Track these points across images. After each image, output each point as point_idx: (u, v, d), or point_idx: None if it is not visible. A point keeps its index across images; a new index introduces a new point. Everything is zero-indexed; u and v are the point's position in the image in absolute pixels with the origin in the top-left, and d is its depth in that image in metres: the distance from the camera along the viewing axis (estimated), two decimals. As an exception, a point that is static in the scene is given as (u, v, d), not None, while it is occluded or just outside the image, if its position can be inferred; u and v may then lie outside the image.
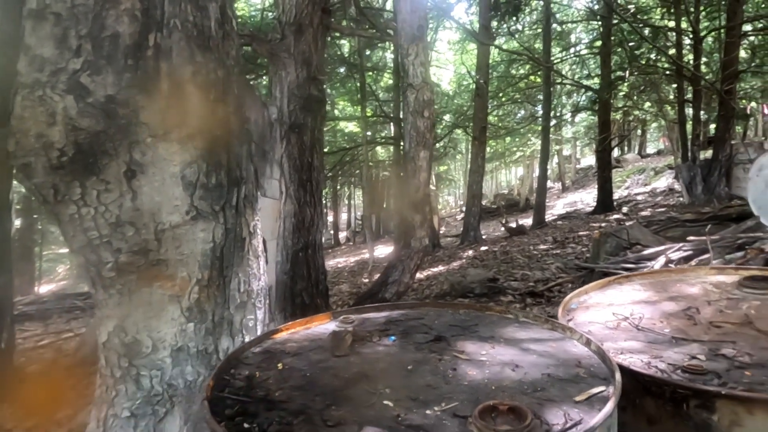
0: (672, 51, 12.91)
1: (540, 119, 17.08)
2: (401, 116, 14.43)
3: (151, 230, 1.51)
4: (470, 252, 11.44)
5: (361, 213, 25.12)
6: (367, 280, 10.35)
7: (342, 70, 13.90)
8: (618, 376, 1.10)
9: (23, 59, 1.37)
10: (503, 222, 14.11)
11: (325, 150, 14.17)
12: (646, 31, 12.53)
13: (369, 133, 15.72)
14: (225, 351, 1.67)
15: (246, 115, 1.78)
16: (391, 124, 17.83)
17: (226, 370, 1.29)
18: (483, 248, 11.63)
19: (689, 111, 12.65)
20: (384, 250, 15.95)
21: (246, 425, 1.02)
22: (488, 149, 18.96)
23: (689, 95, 12.43)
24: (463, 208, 21.93)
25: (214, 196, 1.61)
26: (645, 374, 1.24)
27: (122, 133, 1.43)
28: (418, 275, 8.12)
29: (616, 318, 1.66)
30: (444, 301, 1.76)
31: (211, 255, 1.61)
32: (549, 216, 15.41)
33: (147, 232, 1.51)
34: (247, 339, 1.71)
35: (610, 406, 0.98)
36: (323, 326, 1.65)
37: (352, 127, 17.97)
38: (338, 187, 23.68)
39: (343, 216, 28.53)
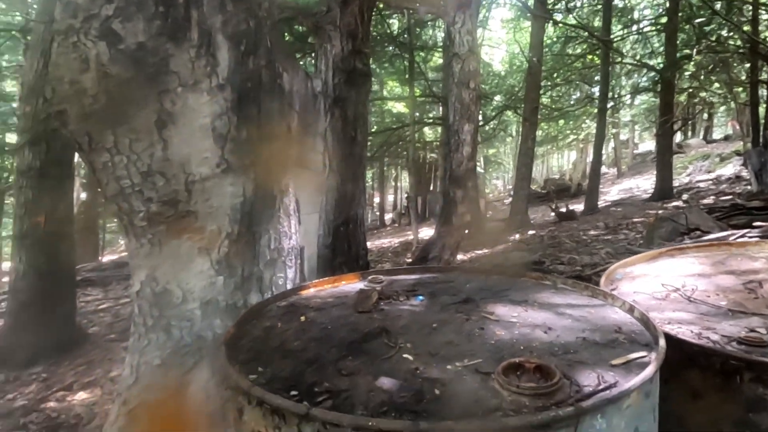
0: (747, 27, 11.91)
1: (596, 101, 16.28)
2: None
3: (181, 181, 1.51)
4: (516, 236, 11.16)
5: (406, 195, 25.04)
6: (410, 260, 10.31)
7: (391, 48, 13.71)
8: (662, 342, 0.99)
9: (58, 6, 1.38)
10: (552, 207, 13.64)
11: (372, 130, 14.14)
12: (718, 5, 11.61)
13: (417, 114, 15.53)
14: (253, 307, 1.67)
15: (279, 71, 1.74)
16: (440, 104, 17.55)
17: (249, 320, 1.28)
18: (530, 232, 11.31)
19: (763, 92, 11.68)
20: (429, 232, 15.83)
21: (260, 369, 1.00)
22: (540, 132, 18.33)
23: (765, 75, 11.47)
24: (511, 193, 21.42)
25: (245, 149, 1.59)
26: (693, 344, 1.12)
27: (152, 82, 1.43)
28: (460, 256, 8.00)
29: (665, 289, 1.53)
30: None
31: (240, 209, 1.60)
32: (602, 202, 14.78)
33: (177, 183, 1.51)
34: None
35: (650, 370, 0.89)
36: (351, 285, 1.62)
37: (400, 107, 17.80)
38: (385, 168, 23.63)
39: (390, 198, 28.53)
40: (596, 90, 17.58)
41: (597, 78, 16.40)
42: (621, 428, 0.83)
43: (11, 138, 17.71)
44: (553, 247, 8.37)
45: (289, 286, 1.80)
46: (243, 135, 1.58)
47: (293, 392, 0.89)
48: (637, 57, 16.31)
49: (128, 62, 1.38)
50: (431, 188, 22.72)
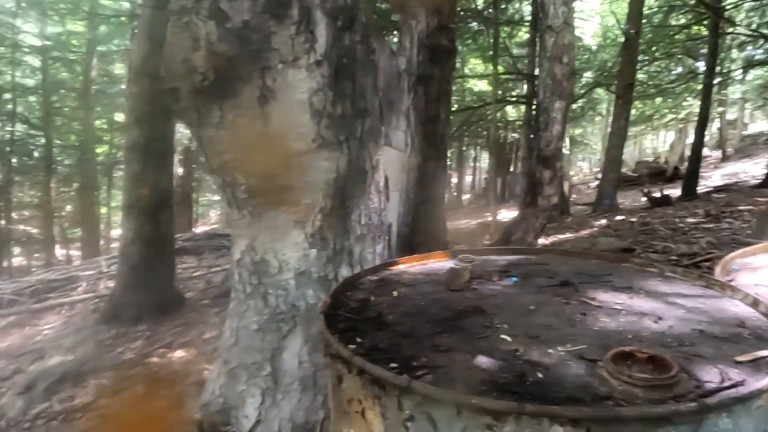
0: None
1: (701, 76, 14.80)
2: (536, 71, 13.52)
3: (280, 156, 1.57)
4: (603, 221, 10.56)
5: (486, 175, 24.49)
6: (488, 242, 10.12)
7: (475, 24, 13.30)
8: (797, 340, 0.89)
9: (173, -13, 1.46)
10: (645, 191, 12.73)
11: (452, 108, 13.86)
12: None
13: (499, 92, 15.02)
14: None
15: (372, 46, 1.74)
16: (524, 82, 16.84)
17: (343, 292, 1.32)
18: (618, 218, 10.66)
19: None
20: (507, 214, 15.43)
21: (358, 339, 1.02)
22: (633, 111, 17.03)
23: None
24: (598, 175, 20.23)
25: (339, 125, 1.61)
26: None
27: (255, 59, 1.48)
28: (543, 240, 7.72)
29: (793, 284, 1.37)
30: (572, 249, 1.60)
31: (333, 184, 1.64)
32: (702, 188, 13.56)
33: (276, 157, 1.57)
34: (364, 271, 1.73)
35: (786, 370, 0.80)
36: (440, 263, 1.61)
37: (482, 85, 17.31)
38: (464, 148, 23.21)
39: (467, 179, 28.06)
40: (701, 64, 15.97)
41: (703, 51, 14.87)
42: (749, 430, 0.76)
43: (119, 117, 19.39)
44: (644, 234, 7.83)
45: (377, 262, 1.82)
46: (338, 111, 1.61)
47: (392, 364, 0.90)
48: (753, 26, 14.57)
49: (234, 40, 1.43)
50: (511, 169, 22.05)
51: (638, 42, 11.89)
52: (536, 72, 13.52)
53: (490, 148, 15.39)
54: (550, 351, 0.94)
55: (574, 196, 18.55)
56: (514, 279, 1.38)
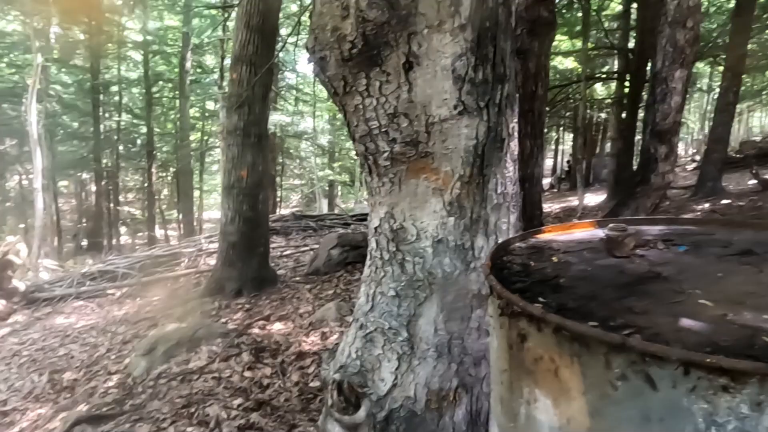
0: None
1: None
2: (630, 44, 12.62)
3: (422, 122, 1.57)
4: (706, 205, 9.74)
5: (568, 159, 23.40)
6: (577, 226, 9.67)
7: (563, -3, 12.59)
8: None
9: (323, -42, 1.49)
10: (753, 171, 11.55)
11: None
12: None
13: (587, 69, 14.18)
14: (480, 249, 1.70)
15: (512, 8, 1.68)
16: (615, 57, 15.77)
17: (499, 257, 1.30)
18: (723, 202, 9.78)
19: None
20: (593, 199, 14.66)
21: (541, 299, 1.00)
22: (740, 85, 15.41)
23: None
24: (696, 157, 18.61)
25: (480, 91, 1.58)
26: None
27: (402, 24, 1.48)
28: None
29: None
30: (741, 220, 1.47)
31: (473, 152, 1.61)
32: (823, 169, 12.08)
33: (419, 124, 1.57)
34: (500, 241, 1.70)
35: None
36: (586, 232, 1.54)
37: (567, 63, 16.45)
38: (545, 129, 22.27)
39: (548, 162, 26.96)
40: (828, 30, 14.08)
41: (831, 14, 13.09)
42: None
43: (210, 105, 20.57)
44: (757, 219, 7.13)
45: (511, 231, 1.79)
46: (479, 76, 1.57)
47: (590, 323, 0.87)
48: None
49: (383, 6, 1.44)
50: (597, 151, 20.88)
51: (754, 7, 10.70)
52: (630, 45, 12.63)
53: (576, 129, 14.63)
54: (765, 317, 0.87)
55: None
56: (684, 248, 1.29)
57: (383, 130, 1.58)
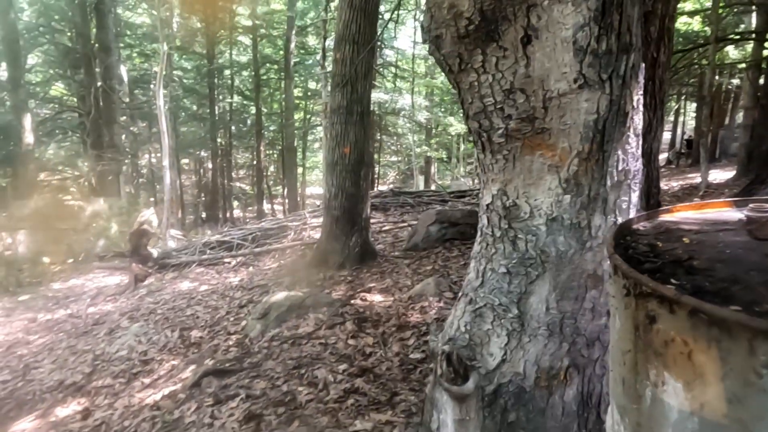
0: None
1: None
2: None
3: (540, 98, 1.53)
4: None
5: (688, 132, 21.19)
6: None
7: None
8: None
9: (440, -65, 1.49)
10: None
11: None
12: None
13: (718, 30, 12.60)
14: (597, 228, 1.64)
15: (640, -29, 1.56)
16: (753, 13, 13.82)
17: (623, 236, 1.25)
18: None
19: None
20: (719, 176, 13.20)
21: (673, 281, 0.96)
22: None
23: None
24: None
25: (603, 63, 1.50)
26: None
27: (522, -3, 1.45)
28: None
29: None
30: None
31: (593, 127, 1.55)
32: None
33: (536, 100, 1.54)
34: (619, 220, 1.63)
35: None
36: (722, 213, 1.43)
37: (693, 23, 14.75)
38: (664, 98, 20.27)
39: (666, 135, 24.58)
40: None
41: None
42: None
43: (312, 86, 21.38)
44: None
45: (632, 211, 1.70)
46: (602, 47, 1.50)
47: (732, 307, 0.83)
48: None
49: (502, -21, 1.42)
50: (727, 122, 18.65)
51: None
52: (776, -1, 10.98)
53: (702, 98, 13.13)
54: None
55: (817, 153, 14.95)
56: None
57: (498, 106, 1.57)
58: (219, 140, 20.30)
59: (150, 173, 20.78)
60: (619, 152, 1.62)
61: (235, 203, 23.31)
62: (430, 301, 4.96)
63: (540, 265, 1.66)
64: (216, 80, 19.58)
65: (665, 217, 1.41)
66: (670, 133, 24.95)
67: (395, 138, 22.05)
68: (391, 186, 19.94)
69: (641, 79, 1.65)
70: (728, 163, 15.51)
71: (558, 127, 1.56)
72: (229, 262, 8.79)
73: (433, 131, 21.18)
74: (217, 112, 19.81)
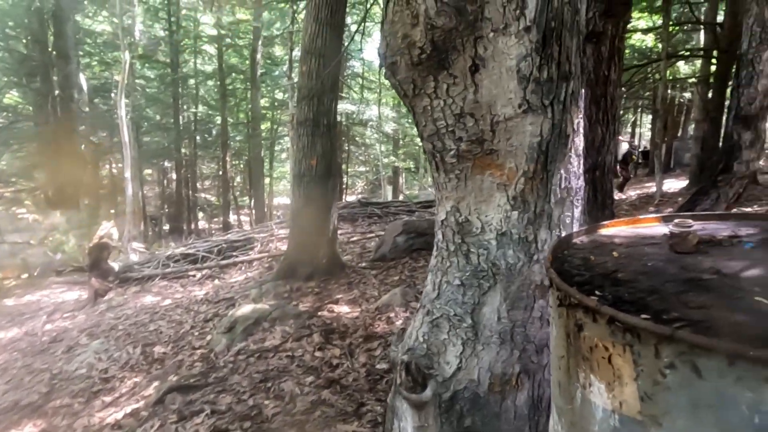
0: None
1: None
2: (718, 18, 11.69)
3: (488, 121, 1.65)
4: (805, 192, 8.95)
5: (645, 142, 22.12)
6: (654, 214, 9.22)
7: (642, -30, 11.86)
8: None
9: (395, -31, 1.60)
10: None
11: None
12: None
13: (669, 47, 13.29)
14: (543, 241, 1.76)
15: (578, 6, 1.71)
16: (701, 32, 14.66)
17: (561, 251, 1.37)
18: (825, 189, 8.94)
19: None
20: (673, 185, 13.84)
21: (597, 293, 1.08)
22: None
23: None
24: (796, 139, 16.95)
25: (545, 90, 1.63)
26: None
27: (469, 29, 1.56)
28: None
29: None
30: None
31: (537, 148, 1.67)
32: None
33: (484, 123, 1.65)
34: (563, 234, 1.76)
35: None
36: (651, 228, 1.57)
37: (646, 39, 15.49)
38: (621, 111, 21.14)
39: (623, 146, 25.57)
40: None
41: None
42: None
43: (279, 96, 21.32)
44: None
45: (575, 225, 1.84)
46: (544, 75, 1.63)
47: (643, 315, 0.94)
48: None
49: (451, 13, 1.53)
50: (680, 134, 19.58)
51: None
52: (719, 19, 11.70)
53: (656, 111, 13.78)
54: (823, 316, 0.90)
55: (762, 162, 15.88)
56: (750, 245, 1.30)
57: (450, 129, 1.68)
58: (183, 150, 19.94)
59: (111, 184, 20.22)
60: (562, 171, 1.75)
61: (200, 214, 22.89)
62: (397, 311, 5.04)
63: (491, 277, 1.77)
64: (180, 89, 19.28)
65: (602, 232, 1.54)
66: (628, 144, 25.96)
67: (363, 148, 22.19)
68: (360, 196, 20.03)
69: (581, 104, 1.78)
70: (682, 173, 16.27)
71: (505, 148, 1.68)
72: (194, 275, 8.66)
73: (401, 142, 21.43)
74: (181, 122, 19.48)
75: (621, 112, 21.71)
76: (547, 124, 1.67)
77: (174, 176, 20.97)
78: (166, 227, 20.33)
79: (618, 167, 15.81)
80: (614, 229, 1.55)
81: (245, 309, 5.38)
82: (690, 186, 12.08)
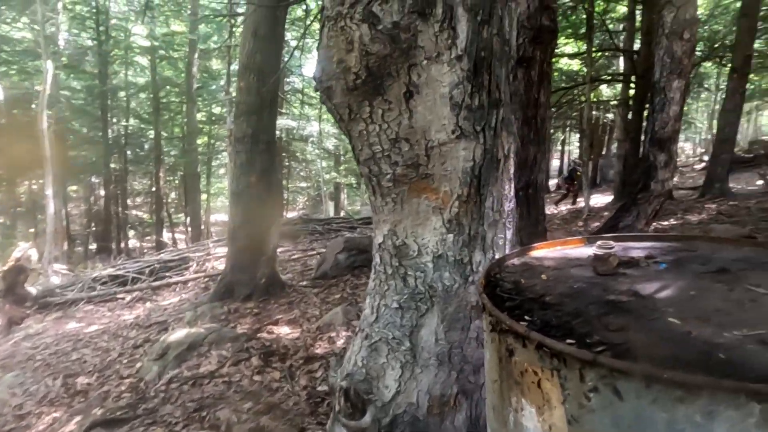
0: None
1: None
2: (635, 46, 12.65)
3: (422, 146, 1.68)
4: (713, 206, 9.78)
5: (574, 159, 23.41)
6: (582, 228, 9.77)
7: (567, 1, 12.68)
8: None
9: (329, -5, 1.61)
10: (762, 173, 11.57)
11: (542, 90, 13.32)
12: None
13: (593, 71, 14.24)
14: (478, 263, 1.80)
15: (506, 37, 1.79)
16: (620, 58, 15.81)
17: (493, 274, 1.40)
18: (731, 203, 9.81)
19: None
20: (599, 200, 14.72)
21: (527, 317, 1.11)
22: (748, 85, 15.42)
23: None
24: (704, 157, 18.58)
25: (477, 116, 1.69)
26: None
27: (403, 57, 1.59)
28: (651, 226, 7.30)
29: None
30: (722, 237, 1.56)
31: (470, 173, 1.72)
32: (833, 169, 12.05)
33: (419, 148, 1.68)
34: (497, 256, 1.81)
35: None
36: (578, 249, 1.64)
37: (573, 64, 16.51)
38: (551, 130, 22.31)
39: (554, 163, 26.98)
40: (835, 29, 14.04)
41: (838, 13, 13.07)
42: None
43: (217, 110, 20.77)
44: (765, 221, 7.16)
45: (507, 247, 1.89)
46: (476, 102, 1.68)
47: (568, 340, 0.98)
48: None
49: (385, 40, 1.55)
50: (604, 152, 20.89)
51: (759, 7, 10.72)
52: (636, 47, 12.67)
53: (582, 131, 14.67)
54: (725, 334, 0.97)
55: (676, 179, 17.24)
56: (664, 265, 1.39)
57: (386, 153, 1.69)
58: (113, 165, 18.92)
59: (30, 201, 18.79)
60: (495, 195, 1.81)
61: (131, 233, 21.72)
62: (338, 330, 4.98)
63: (429, 299, 1.78)
64: (110, 102, 18.35)
65: (533, 254, 1.60)
66: (559, 161, 27.42)
67: (304, 164, 22.00)
68: (301, 213, 19.79)
69: (512, 129, 1.86)
70: (608, 188, 17.33)
71: (440, 173, 1.71)
72: (124, 298, 8.17)
73: (342, 158, 21.45)
74: (111, 136, 18.51)
75: (552, 131, 22.94)
76: (479, 150, 1.72)
77: (102, 192, 19.81)
78: (93, 247, 19.12)
79: (564, 182, 16.66)
80: (544, 251, 1.61)
81: (179, 333, 5.13)
82: (615, 201, 12.86)
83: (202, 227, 19.72)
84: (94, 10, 16.77)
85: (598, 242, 1.62)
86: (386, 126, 1.66)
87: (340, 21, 1.58)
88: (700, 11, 17.18)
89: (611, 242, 1.62)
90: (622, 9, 14.54)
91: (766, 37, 14.89)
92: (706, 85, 20.25)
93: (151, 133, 19.38)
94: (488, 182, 1.77)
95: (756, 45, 13.02)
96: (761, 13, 11.68)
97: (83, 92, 18.56)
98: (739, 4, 11.20)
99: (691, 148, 30.80)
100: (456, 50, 1.62)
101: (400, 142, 1.67)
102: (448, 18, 1.60)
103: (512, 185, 1.90)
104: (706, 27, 15.88)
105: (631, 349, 0.93)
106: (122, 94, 19.34)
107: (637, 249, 1.56)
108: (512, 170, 1.90)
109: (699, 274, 1.31)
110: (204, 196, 21.85)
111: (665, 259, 1.45)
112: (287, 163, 20.40)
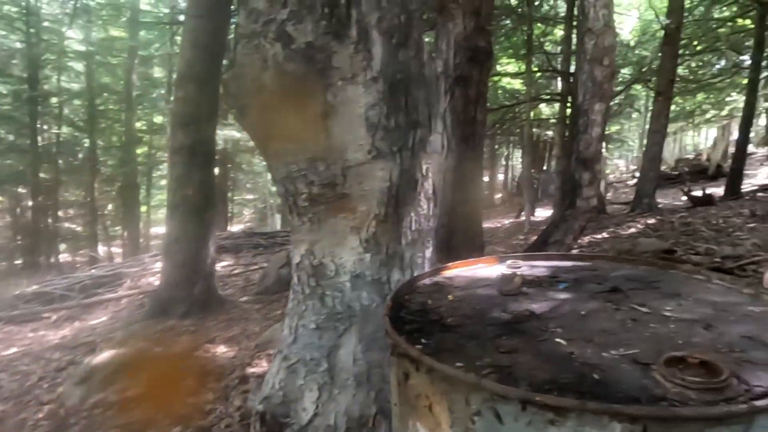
0: None
1: (746, 71, 14.28)
2: (572, 69, 13.32)
3: (339, 166, 1.68)
4: (641, 221, 10.37)
5: (518, 174, 24.27)
6: (522, 242, 10.09)
7: (508, 22, 13.21)
8: None
9: (242, 13, 1.59)
10: (685, 190, 12.39)
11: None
12: None
13: (533, 90, 14.87)
14: (396, 282, 1.81)
15: (423, 60, 1.83)
16: (559, 79, 16.58)
17: (402, 295, 1.41)
18: (658, 218, 10.44)
19: None
20: (542, 213, 15.29)
21: (423, 341, 1.12)
22: (673, 107, 16.58)
23: None
24: (636, 174, 19.72)
25: (393, 137, 1.71)
26: None
27: (319, 77, 1.59)
28: (579, 241, 7.64)
29: None
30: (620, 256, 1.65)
31: (387, 193, 1.73)
32: (747, 186, 13.09)
33: (335, 168, 1.68)
34: (415, 274, 1.83)
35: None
36: (490, 268, 1.69)
37: (515, 83, 17.16)
38: (496, 146, 23.04)
39: (500, 177, 27.82)
40: (746, 58, 15.38)
41: (748, 44, 14.33)
42: (798, 431, 0.81)
43: (158, 119, 20.07)
44: (686, 235, 7.66)
45: (426, 265, 1.92)
46: (392, 123, 1.70)
47: (458, 363, 0.99)
48: (803, 17, 13.93)
49: (300, 60, 1.55)
50: (545, 167, 21.76)
51: (679, 36, 11.57)
52: (572, 69, 13.35)
53: (524, 147, 15.25)
54: (604, 354, 1.02)
55: (610, 195, 18.19)
56: (564, 285, 1.45)
57: (302, 173, 1.68)
58: (43, 175, 17.81)
59: (-52, 213, 17.36)
60: (413, 214, 1.83)
61: (63, 246, 20.46)
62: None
63: (347, 319, 1.77)
64: (40, 108, 17.32)
65: (445, 274, 1.62)
66: (504, 175, 28.31)
67: (251, 176, 21.58)
68: (246, 226, 19.35)
69: (430, 150, 1.89)
70: (549, 203, 18.02)
71: (357, 192, 1.71)
72: (50, 317, 7.66)
73: (290, 170, 21.14)
74: (40, 143, 17.44)
75: (496, 146, 23.70)
76: (396, 170, 1.74)
77: (30, 203, 18.58)
78: (19, 262, 17.85)
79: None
80: (456, 271, 1.64)
81: (105, 355, 4.84)
82: (555, 215, 13.39)
83: (141, 240, 18.88)
84: (24, 12, 15.86)
85: (508, 261, 1.67)
86: (302, 145, 1.65)
87: (254, 39, 1.56)
88: (629, 37, 18.39)
89: (520, 261, 1.67)
90: (559, 32, 15.28)
91: (687, 63, 16.09)
92: (636, 107, 21.56)
93: (87, 142, 18.43)
94: (406, 202, 1.79)
95: (679, 70, 14.05)
96: (682, 41, 12.62)
97: (10, 97, 17.43)
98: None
99: (625, 165, 32.64)
100: (371, 72, 1.64)
101: (316, 161, 1.67)
102: (363, 40, 1.62)
103: (431, 205, 1.93)
104: (636, 52, 17.00)
105: (515, 372, 0.95)
106: (54, 100, 18.30)
107: (543, 268, 1.62)
108: (431, 190, 1.93)
109: (593, 294, 1.37)
110: (144, 208, 20.94)
111: (567, 278, 1.51)
112: (232, 175, 19.94)
